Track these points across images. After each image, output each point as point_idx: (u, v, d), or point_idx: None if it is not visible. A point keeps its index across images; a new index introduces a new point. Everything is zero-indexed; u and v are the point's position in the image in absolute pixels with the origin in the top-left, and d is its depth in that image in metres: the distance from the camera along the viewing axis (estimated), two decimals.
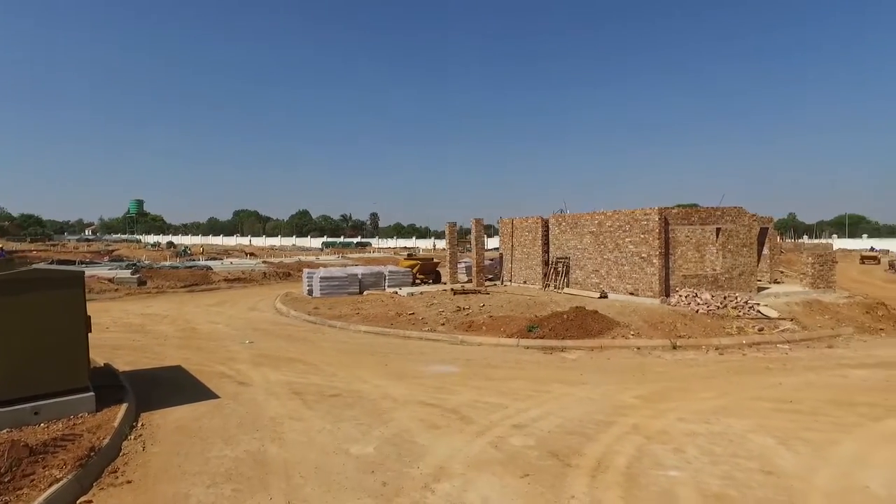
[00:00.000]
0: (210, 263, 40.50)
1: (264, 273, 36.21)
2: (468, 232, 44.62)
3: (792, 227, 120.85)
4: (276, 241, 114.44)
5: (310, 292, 24.69)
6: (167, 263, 40.05)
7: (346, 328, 17.18)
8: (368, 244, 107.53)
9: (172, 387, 10.27)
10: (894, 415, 8.56)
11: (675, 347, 13.69)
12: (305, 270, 27.17)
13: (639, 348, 13.64)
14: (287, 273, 37.68)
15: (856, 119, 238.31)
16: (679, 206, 20.75)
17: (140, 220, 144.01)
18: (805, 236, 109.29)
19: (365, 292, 24.49)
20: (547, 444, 7.34)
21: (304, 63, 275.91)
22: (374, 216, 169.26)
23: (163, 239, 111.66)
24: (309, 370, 11.85)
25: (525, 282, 24.66)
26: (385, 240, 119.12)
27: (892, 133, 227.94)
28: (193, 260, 48.05)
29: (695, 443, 7.35)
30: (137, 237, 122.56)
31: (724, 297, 16.87)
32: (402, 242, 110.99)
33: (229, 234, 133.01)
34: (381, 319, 17.65)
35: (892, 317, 17.09)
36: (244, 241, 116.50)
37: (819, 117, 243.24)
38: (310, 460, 6.85)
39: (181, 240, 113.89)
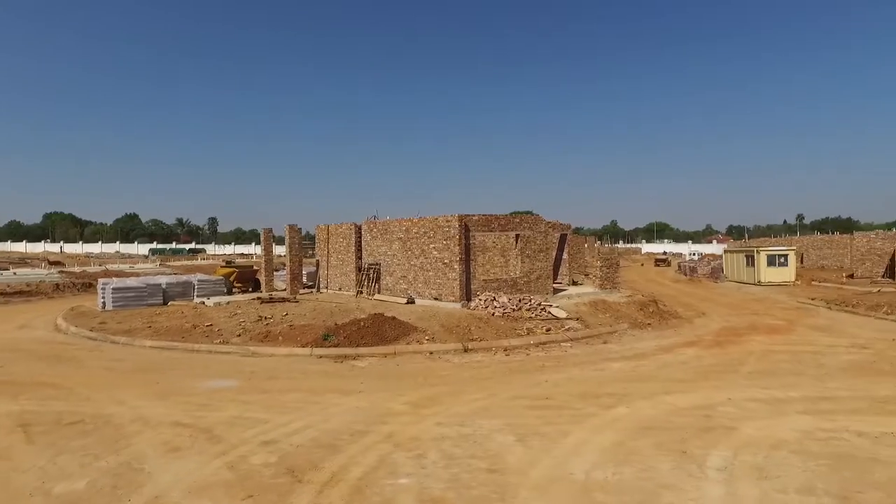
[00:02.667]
0: None
1: (57, 285, 31.92)
2: (312, 238, 43.16)
3: (610, 234, 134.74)
4: (95, 248, 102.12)
5: (104, 305, 22.12)
6: None
7: (131, 344, 15.55)
8: (202, 251, 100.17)
9: None
10: (624, 402, 9.57)
11: (466, 351, 14.19)
12: (100, 281, 24.30)
13: (431, 353, 13.93)
14: (89, 284, 33.53)
15: (671, 133, 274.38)
16: (516, 213, 21.80)
17: None
18: (621, 241, 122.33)
19: (170, 303, 22.51)
20: (289, 459, 7.06)
21: (136, 49, 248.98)
22: (213, 221, 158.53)
23: None
24: (58, 395, 10.44)
25: (340, 289, 24.35)
26: (223, 246, 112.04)
27: (697, 149, 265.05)
28: None
29: (440, 447, 7.51)
30: None
31: (520, 300, 17.97)
32: (240, 248, 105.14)
33: (36, 239, 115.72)
34: (173, 332, 16.24)
35: (660, 312, 19.47)
36: (54, 247, 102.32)
37: (636, 131, 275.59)
38: None
39: None
